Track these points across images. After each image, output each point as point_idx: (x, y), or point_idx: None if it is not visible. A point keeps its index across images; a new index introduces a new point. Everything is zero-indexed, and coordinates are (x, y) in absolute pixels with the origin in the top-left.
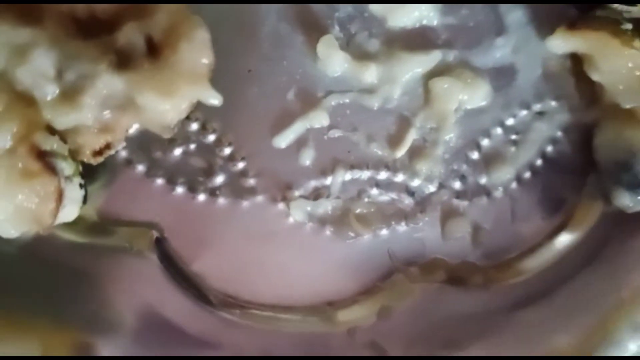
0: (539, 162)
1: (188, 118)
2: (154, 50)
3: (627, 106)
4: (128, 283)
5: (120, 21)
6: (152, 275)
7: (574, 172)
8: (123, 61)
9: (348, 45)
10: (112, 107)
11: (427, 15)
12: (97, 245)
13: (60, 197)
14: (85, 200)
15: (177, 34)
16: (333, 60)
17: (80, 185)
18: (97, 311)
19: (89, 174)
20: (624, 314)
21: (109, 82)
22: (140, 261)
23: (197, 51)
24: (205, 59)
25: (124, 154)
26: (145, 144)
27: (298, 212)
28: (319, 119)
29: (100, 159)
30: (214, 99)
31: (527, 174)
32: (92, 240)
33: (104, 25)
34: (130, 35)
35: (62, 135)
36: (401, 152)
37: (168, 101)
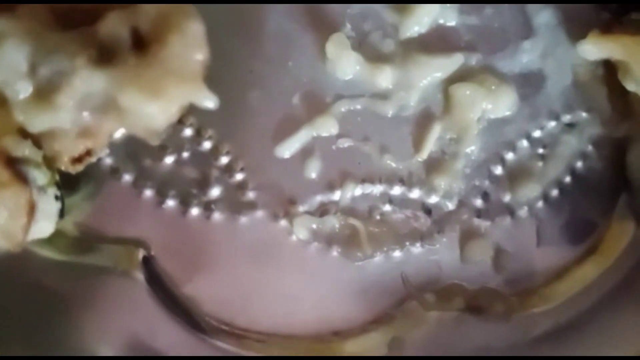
0: (567, 179)
1: (181, 123)
2: (141, 44)
3: None
4: (111, 307)
5: (103, 10)
6: (138, 299)
7: (605, 191)
8: (105, 56)
9: (361, 45)
10: (92, 108)
11: (442, 14)
12: (77, 265)
13: (32, 210)
14: (62, 214)
15: (167, 26)
16: (344, 61)
17: (56, 197)
18: (76, 338)
19: (69, 184)
20: None
21: (87, 79)
22: (125, 282)
23: (189, 46)
24: (199, 55)
25: (109, 161)
26: (133, 151)
27: (302, 230)
28: (327, 127)
29: (79, 167)
30: (209, 101)
31: (555, 192)
32: (72, 258)
33: (85, 15)
34: (113, 26)
35: (36, 140)
36: (422, 157)
37: (155, 102)
